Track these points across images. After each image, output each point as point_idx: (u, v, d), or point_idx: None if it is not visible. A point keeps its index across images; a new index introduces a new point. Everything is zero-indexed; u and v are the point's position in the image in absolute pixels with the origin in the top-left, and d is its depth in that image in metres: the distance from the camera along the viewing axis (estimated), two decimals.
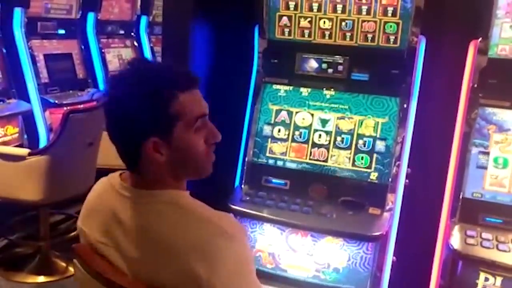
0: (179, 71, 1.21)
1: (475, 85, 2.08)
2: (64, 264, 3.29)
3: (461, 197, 2.07)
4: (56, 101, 3.87)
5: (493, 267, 1.92)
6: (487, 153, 2.06)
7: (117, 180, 1.27)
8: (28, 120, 3.79)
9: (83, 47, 4.39)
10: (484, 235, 1.97)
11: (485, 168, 2.06)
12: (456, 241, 1.98)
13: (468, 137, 2.08)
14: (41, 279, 3.20)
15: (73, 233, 3.35)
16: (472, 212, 2.04)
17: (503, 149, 2.05)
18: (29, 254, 3.36)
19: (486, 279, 1.95)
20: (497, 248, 1.92)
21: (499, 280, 1.93)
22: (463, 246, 1.96)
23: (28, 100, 3.77)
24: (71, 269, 3.08)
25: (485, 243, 1.94)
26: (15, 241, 3.48)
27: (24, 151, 3.03)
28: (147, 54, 5.18)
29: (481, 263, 1.94)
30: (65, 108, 3.59)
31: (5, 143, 3.54)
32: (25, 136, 3.80)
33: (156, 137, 1.16)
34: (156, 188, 1.21)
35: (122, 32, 4.92)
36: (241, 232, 1.19)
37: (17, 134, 3.71)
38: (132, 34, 5.08)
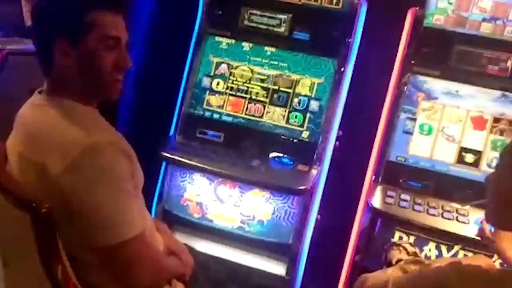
0: None
1: (409, 53, 2.14)
2: None
3: (385, 160, 2.14)
4: None
5: (408, 225, 2.00)
6: (414, 119, 2.13)
7: (35, 94, 1.34)
8: None
9: None
10: (403, 196, 2.05)
11: (411, 133, 2.13)
12: (376, 201, 2.05)
13: (398, 102, 2.15)
14: None
15: None
16: (395, 175, 2.12)
17: (429, 117, 2.13)
18: None
19: (400, 238, 2.03)
20: (413, 209, 2.00)
21: (412, 239, 2.02)
22: (382, 205, 2.03)
23: None
24: None
25: (402, 203, 2.02)
26: None
27: None
28: None
29: (397, 221, 2.02)
30: None
31: None
32: None
33: (65, 39, 1.23)
34: (62, 96, 1.28)
35: None
36: (116, 151, 1.20)
37: None
38: None
